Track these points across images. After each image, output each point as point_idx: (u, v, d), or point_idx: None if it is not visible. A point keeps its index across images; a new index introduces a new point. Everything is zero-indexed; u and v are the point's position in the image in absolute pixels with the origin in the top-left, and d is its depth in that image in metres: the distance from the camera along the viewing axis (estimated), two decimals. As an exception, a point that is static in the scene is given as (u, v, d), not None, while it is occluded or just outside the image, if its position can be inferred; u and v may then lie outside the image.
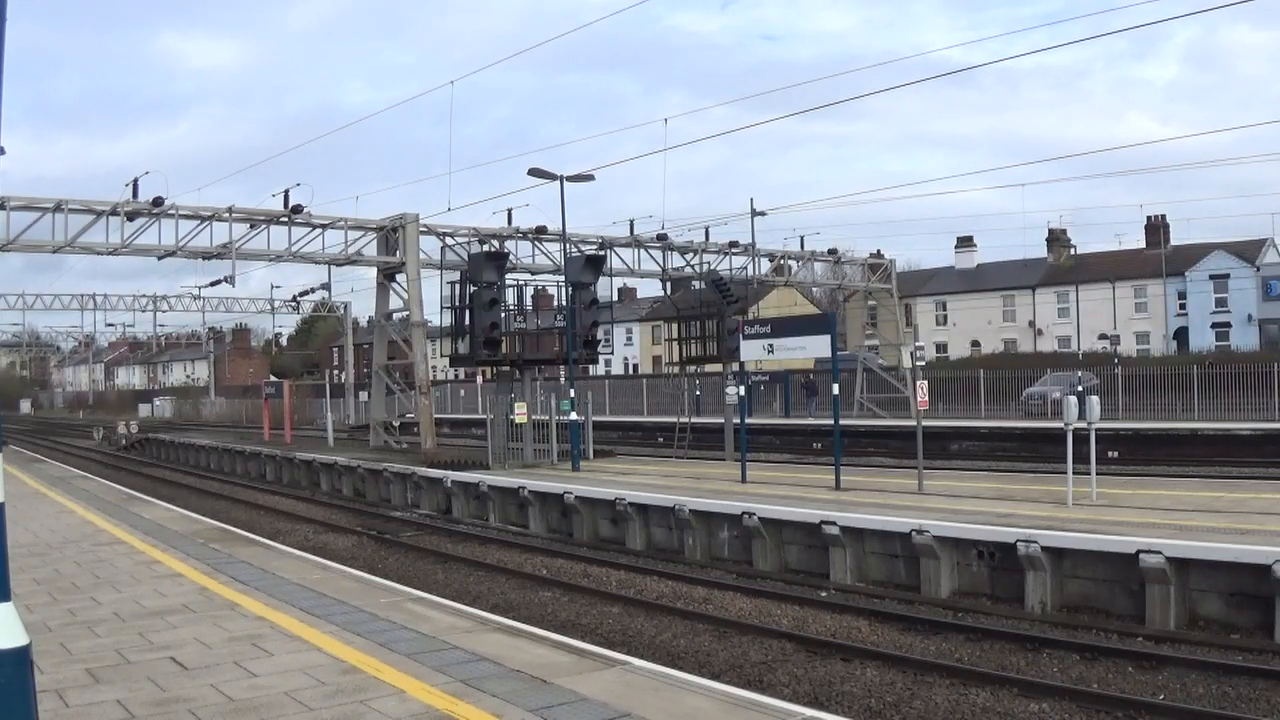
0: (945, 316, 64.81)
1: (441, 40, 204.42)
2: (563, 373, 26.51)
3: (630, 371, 72.76)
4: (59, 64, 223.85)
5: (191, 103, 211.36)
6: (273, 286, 77.71)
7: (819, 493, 16.49)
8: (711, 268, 31.15)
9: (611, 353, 38.96)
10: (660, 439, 34.49)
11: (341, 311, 56.62)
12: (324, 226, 26.82)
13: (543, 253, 29.54)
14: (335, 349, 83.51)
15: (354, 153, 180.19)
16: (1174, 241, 57.32)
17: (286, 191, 25.73)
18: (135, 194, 23.80)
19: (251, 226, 25.78)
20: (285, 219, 25.91)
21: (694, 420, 28.81)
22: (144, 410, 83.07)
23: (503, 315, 23.87)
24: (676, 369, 32.27)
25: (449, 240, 27.92)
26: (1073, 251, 62.20)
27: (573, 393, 23.20)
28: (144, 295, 54.29)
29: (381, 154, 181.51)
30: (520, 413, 23.28)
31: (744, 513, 14.71)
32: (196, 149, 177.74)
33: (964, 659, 9.59)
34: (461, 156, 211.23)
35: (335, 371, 76.05)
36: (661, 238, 31.50)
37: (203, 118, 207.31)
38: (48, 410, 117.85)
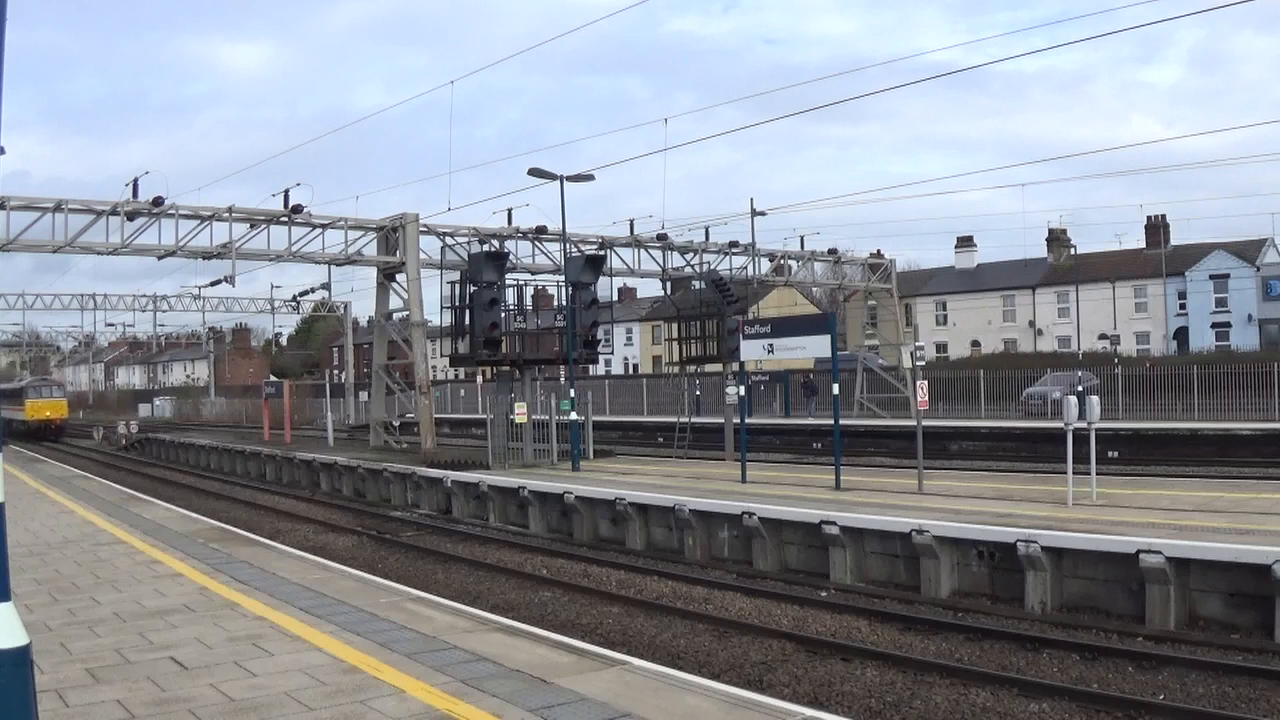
0: (945, 316, 64.79)
1: (457, 46, 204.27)
2: (563, 373, 26.50)
3: (630, 371, 72.72)
4: (74, 67, 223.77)
5: (206, 105, 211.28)
6: (273, 286, 77.57)
7: (819, 493, 16.49)
8: (711, 268, 31.13)
9: (611, 353, 38.96)
10: (660, 439, 34.48)
11: (341, 311, 56.56)
12: (324, 226, 26.83)
13: (543, 253, 29.57)
14: (335, 349, 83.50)
15: (364, 154, 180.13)
16: (1174, 241, 57.29)
17: (286, 191, 25.78)
18: (135, 194, 23.81)
19: (251, 226, 25.79)
20: (285, 219, 25.91)
21: (694, 420, 28.80)
22: (144, 410, 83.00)
23: (503, 315, 23.88)
24: (676, 369, 32.24)
25: (449, 240, 27.92)
26: (1073, 251, 62.16)
27: (573, 393, 23.20)
28: (144, 295, 54.35)
29: (391, 155, 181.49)
30: (520, 413, 23.29)
31: (744, 513, 14.72)
32: (210, 151, 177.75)
33: (964, 659, 9.59)
34: (473, 158, 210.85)
35: (335, 371, 76.03)
36: (661, 237, 31.49)
37: (217, 121, 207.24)
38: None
